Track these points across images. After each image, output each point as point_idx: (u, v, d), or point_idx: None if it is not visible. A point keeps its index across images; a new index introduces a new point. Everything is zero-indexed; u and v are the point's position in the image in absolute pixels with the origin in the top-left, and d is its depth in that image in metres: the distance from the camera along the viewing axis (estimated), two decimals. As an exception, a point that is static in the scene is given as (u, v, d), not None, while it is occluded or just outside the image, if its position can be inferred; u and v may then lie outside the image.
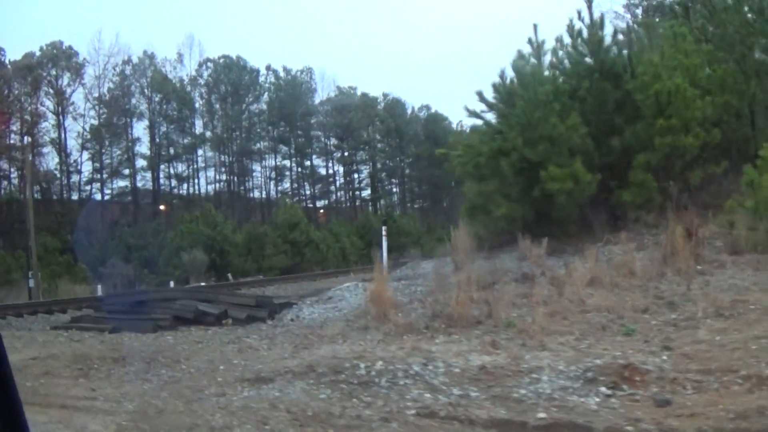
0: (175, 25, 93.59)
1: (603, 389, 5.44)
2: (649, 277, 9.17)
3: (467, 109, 13.92)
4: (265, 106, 57.52)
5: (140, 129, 50.64)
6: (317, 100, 62.39)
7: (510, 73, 13.10)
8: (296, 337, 8.29)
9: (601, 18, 13.27)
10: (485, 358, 6.53)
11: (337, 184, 65.18)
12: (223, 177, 55.16)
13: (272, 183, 58.87)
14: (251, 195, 57.99)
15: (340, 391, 5.89)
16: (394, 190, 71.33)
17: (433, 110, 70.58)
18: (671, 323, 7.27)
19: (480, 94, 13.26)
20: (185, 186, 53.58)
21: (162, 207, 46.51)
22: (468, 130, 13.62)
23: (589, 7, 13.37)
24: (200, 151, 53.05)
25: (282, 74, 58.78)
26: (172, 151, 51.67)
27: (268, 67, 57.76)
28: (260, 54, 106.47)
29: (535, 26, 13.99)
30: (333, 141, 62.77)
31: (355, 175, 66.12)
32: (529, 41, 17.55)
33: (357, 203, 66.44)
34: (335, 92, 62.82)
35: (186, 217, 35.67)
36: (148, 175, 50.83)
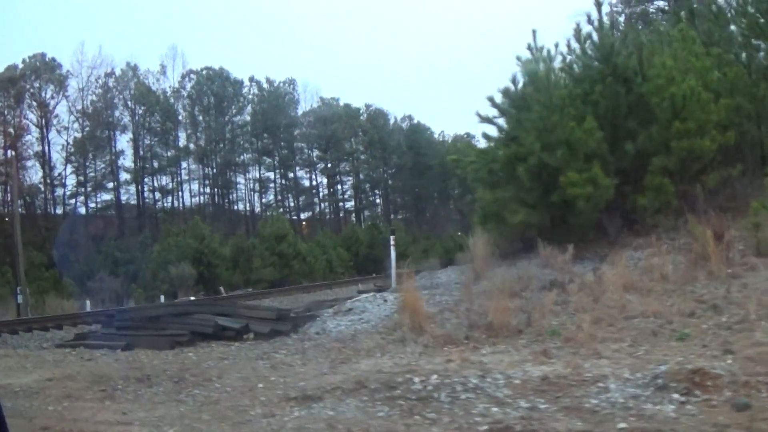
0: (158, 36, 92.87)
1: (676, 396, 5.21)
2: (682, 281, 8.92)
3: (479, 115, 13.60)
4: (248, 118, 56.99)
5: (123, 142, 49.97)
6: (300, 112, 62.05)
7: (520, 78, 12.85)
8: (329, 351, 7.89)
9: (612, 21, 13.09)
10: (544, 368, 6.22)
11: (320, 195, 64.80)
12: (207, 190, 54.47)
13: (256, 195, 58.30)
14: (235, 208, 57.39)
15: (399, 408, 5.54)
16: (377, 201, 71.12)
17: (415, 121, 70.65)
18: (724, 326, 7.03)
19: (491, 100, 13.00)
20: (170, 199, 52.81)
21: (139, 222, 45.70)
22: (461, 138, 13.26)
23: (599, 11, 13.20)
24: (184, 164, 52.34)
25: (265, 85, 58.36)
26: (155, 164, 50.89)
27: (251, 79, 57.40)
28: (243, 65, 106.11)
29: (534, 32, 13.78)
30: (316, 152, 62.42)
31: (339, 187, 65.82)
32: (529, 47, 17.37)
33: (341, 215, 66.08)
34: (318, 103, 62.55)
35: (173, 230, 34.97)
36: (132, 188, 50.06)
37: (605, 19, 13.53)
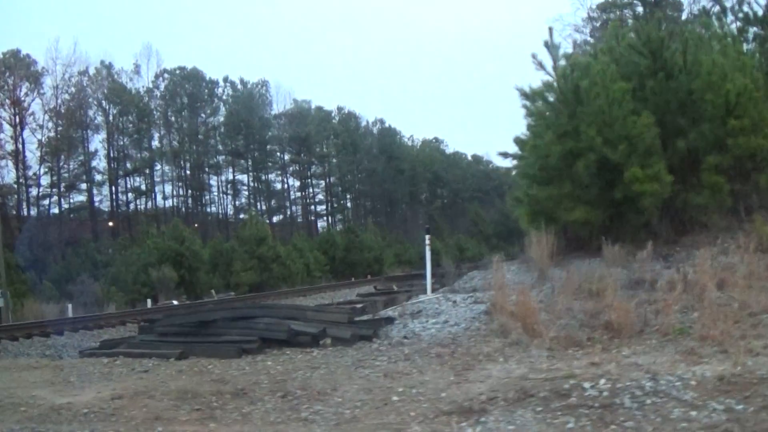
0: (134, 33, 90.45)
1: None
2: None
3: (526, 107, 13.24)
4: (222, 119, 55.58)
5: (97, 142, 48.07)
6: (273, 113, 60.89)
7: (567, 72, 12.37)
8: (438, 357, 7.17)
9: (659, 19, 12.74)
10: (708, 368, 5.70)
11: (291, 198, 63.68)
12: (181, 192, 52.83)
13: (228, 198, 56.86)
14: (208, 210, 55.84)
15: (586, 418, 4.89)
16: (348, 204, 70.39)
17: (386, 124, 70.32)
18: None
19: (527, 93, 12.55)
20: (143, 200, 51.04)
21: (111, 223, 43.88)
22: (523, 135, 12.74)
23: (644, 6, 12.85)
24: (157, 165, 50.61)
25: (239, 86, 57.05)
26: (128, 164, 49.11)
27: (225, 79, 56.01)
28: (217, 65, 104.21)
29: (550, 29, 13.49)
30: (287, 156, 61.33)
31: (311, 190, 64.86)
32: (546, 44, 16.98)
33: (312, 218, 65.14)
34: (291, 105, 61.54)
35: (152, 232, 33.54)
36: (106, 189, 48.19)
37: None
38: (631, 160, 11.21)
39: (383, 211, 73.83)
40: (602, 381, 5.42)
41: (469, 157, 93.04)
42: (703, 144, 11.60)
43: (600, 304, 8.21)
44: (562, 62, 13.29)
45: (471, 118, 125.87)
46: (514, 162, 14.02)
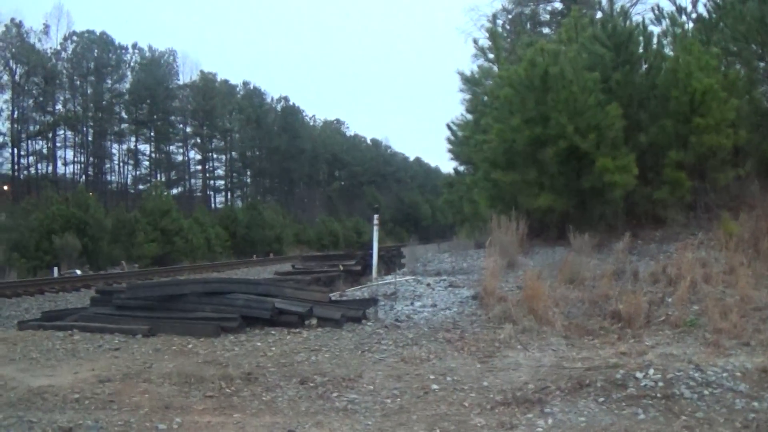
0: None
1: None
2: (758, 275, 8.82)
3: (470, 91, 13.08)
4: (128, 86, 52.45)
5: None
6: (178, 84, 58.16)
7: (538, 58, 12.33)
8: (449, 343, 6.87)
9: (625, 12, 12.96)
10: (741, 359, 5.74)
11: (191, 171, 61.21)
12: (82, 159, 49.47)
13: (129, 167, 53.90)
14: (108, 178, 52.67)
15: (653, 408, 4.82)
16: (248, 181, 68.59)
17: (290, 102, 68.96)
18: None
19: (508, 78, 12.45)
20: (45, 165, 47.39)
21: (5, 187, 40.48)
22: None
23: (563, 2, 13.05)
24: (60, 131, 47.09)
25: (147, 54, 54.02)
26: (31, 127, 45.40)
27: (134, 45, 52.89)
28: (127, 30, 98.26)
29: (494, 16, 13.72)
30: (190, 128, 58.85)
31: (211, 164, 62.62)
32: (489, 32, 17.07)
33: (210, 192, 62.99)
34: (198, 77, 58.98)
35: (56, 197, 31.15)
36: (7, 152, 44.42)
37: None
38: (600, 150, 11.34)
39: (282, 189, 72.70)
40: (651, 371, 5.34)
41: (369, 141, 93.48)
42: (665, 140, 11.89)
43: (594, 293, 8.22)
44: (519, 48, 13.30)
45: (372, 103, 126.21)
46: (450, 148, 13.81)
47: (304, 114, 74.39)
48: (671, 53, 12.88)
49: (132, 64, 53.66)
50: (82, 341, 7.90)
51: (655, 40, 13.01)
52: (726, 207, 11.92)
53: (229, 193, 65.53)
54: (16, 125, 44.45)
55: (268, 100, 67.97)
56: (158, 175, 57.53)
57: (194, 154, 60.84)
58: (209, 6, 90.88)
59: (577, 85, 11.52)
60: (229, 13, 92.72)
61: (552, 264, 10.24)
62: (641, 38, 12.74)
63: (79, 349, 7.50)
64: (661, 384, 5.13)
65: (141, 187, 52.62)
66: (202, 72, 59.29)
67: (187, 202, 56.05)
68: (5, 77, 44.17)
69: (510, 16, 42.70)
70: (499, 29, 28.62)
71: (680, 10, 14.31)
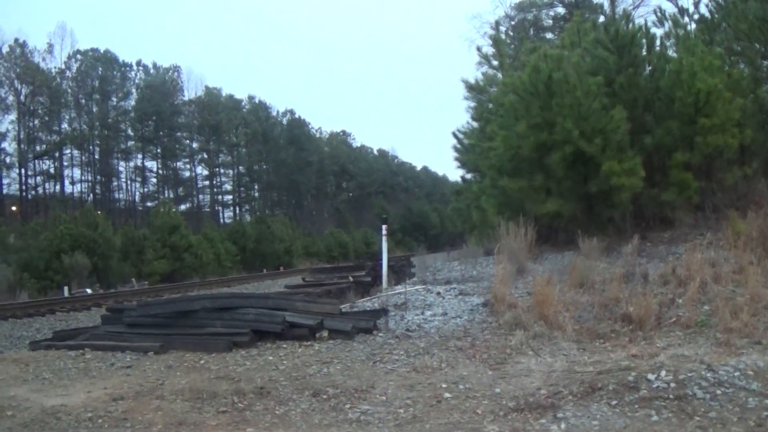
0: (49, 11, 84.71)
1: None
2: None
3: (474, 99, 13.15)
4: (133, 103, 52.87)
5: (6, 123, 44.64)
6: (183, 100, 58.56)
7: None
8: (461, 351, 6.91)
9: (628, 15, 13.01)
10: (752, 358, 5.74)
11: (199, 186, 61.55)
12: (89, 177, 49.81)
13: (136, 185, 54.24)
14: (116, 196, 53.02)
15: (666, 410, 4.85)
16: (256, 195, 68.89)
17: (296, 115, 69.31)
18: None
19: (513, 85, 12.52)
20: (52, 185, 47.74)
21: (14, 208, 40.80)
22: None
23: (612, 3, 13.12)
24: (66, 150, 47.46)
25: (152, 71, 54.47)
26: (38, 147, 45.79)
27: (138, 63, 53.36)
28: (131, 48, 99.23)
29: (497, 23, 13.81)
30: (196, 144, 59.24)
31: (218, 179, 62.97)
32: (493, 39, 17.13)
33: (218, 208, 63.26)
34: (202, 92, 59.43)
35: (64, 217, 31.42)
36: (14, 172, 44.82)
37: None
38: (606, 154, 11.37)
39: (290, 203, 72.98)
40: (663, 372, 5.36)
41: (375, 152, 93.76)
42: (670, 141, 11.91)
43: (604, 297, 8.23)
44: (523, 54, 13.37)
45: (378, 113, 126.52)
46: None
47: (310, 126, 74.79)
48: (674, 55, 12.90)
49: (137, 81, 54.19)
50: (94, 360, 7.98)
51: (658, 42, 12.97)
52: (734, 206, 11.90)
53: (237, 208, 65.83)
54: (22, 145, 44.85)
55: (274, 113, 68.47)
56: (166, 192, 57.92)
57: (201, 170, 61.26)
58: (212, 21, 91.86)
59: (581, 89, 11.57)
60: (232, 27, 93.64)
61: (561, 269, 10.28)
62: (644, 41, 12.78)
63: (91, 367, 7.59)
64: (673, 385, 5.16)
65: (149, 204, 52.95)
66: (206, 87, 59.86)
67: (195, 217, 56.37)
68: (11, 98, 44.63)
69: (513, 23, 43.03)
70: (503, 36, 28.85)
71: (682, 11, 14.42)
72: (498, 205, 12.65)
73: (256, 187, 68.53)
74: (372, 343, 7.69)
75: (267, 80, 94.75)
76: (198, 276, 37.35)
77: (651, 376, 5.30)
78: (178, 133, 57.69)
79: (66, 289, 24.51)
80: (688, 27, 13.97)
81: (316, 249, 59.87)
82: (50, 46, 48.30)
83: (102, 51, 50.56)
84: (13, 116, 44.63)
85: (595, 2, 35.99)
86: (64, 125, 48.77)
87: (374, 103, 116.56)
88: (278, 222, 55.75)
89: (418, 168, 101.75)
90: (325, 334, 8.05)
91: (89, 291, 25.07)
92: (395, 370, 6.47)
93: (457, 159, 18.74)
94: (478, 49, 19.62)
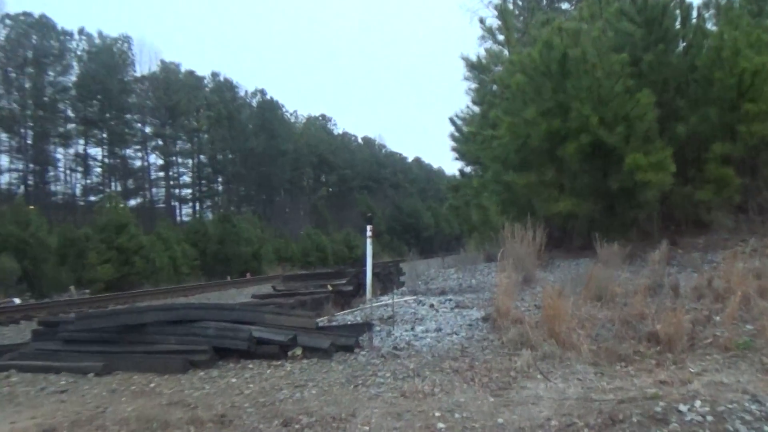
0: None
1: None
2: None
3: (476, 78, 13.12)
4: (74, 79, 52.45)
5: None
6: (135, 76, 58.28)
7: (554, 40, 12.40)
8: (457, 374, 6.85)
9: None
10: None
11: (152, 178, 61.35)
12: (20, 166, 49.39)
13: (77, 176, 53.93)
14: (52, 189, 52.68)
15: (702, 448, 4.77)
16: (219, 188, 68.79)
17: (268, 96, 69.24)
18: None
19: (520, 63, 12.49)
20: None
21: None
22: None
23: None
24: None
25: (97, 41, 54.11)
26: None
27: (81, 31, 52.86)
28: (72, 13, 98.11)
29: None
30: (150, 128, 59.03)
31: (175, 170, 62.78)
32: (499, 10, 17.16)
33: (175, 203, 63.08)
34: (158, 67, 59.16)
35: (-12, 213, 31.25)
36: None
37: None
38: (630, 145, 11.39)
39: (260, 198, 72.96)
40: (697, 403, 5.31)
41: (360, 140, 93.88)
42: (707, 130, 11.95)
43: (626, 312, 8.21)
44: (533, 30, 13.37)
45: (363, 95, 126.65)
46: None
47: (284, 110, 74.72)
48: (714, 28, 12.94)
49: (79, 52, 53.68)
50: (21, 384, 7.92)
51: (694, 13, 13.05)
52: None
53: (197, 204, 65.67)
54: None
55: (242, 93, 68.35)
56: (113, 184, 57.65)
57: (155, 159, 60.96)
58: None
59: (601, 69, 11.60)
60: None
61: (575, 278, 10.32)
62: (678, 12, 12.83)
63: (17, 393, 7.51)
64: (710, 418, 5.10)
65: (92, 198, 52.74)
66: (162, 62, 59.55)
67: (147, 215, 56.17)
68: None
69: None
70: (510, 6, 28.89)
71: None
72: (502, 204, 12.67)
73: (220, 179, 68.41)
74: (353, 363, 7.64)
75: (233, 55, 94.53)
76: (150, 284, 37.27)
77: (683, 407, 5.25)
78: (128, 115, 57.33)
79: (16, 299, 24.40)
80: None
81: (289, 253, 59.92)
82: (-24, 10, 47.96)
83: (36, 16, 50.03)
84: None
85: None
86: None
87: (359, 84, 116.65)
88: (245, 221, 55.67)
89: (409, 159, 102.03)
90: (299, 352, 8.01)
91: (17, 301, 24.87)
92: (380, 395, 6.41)
93: (454, 149, 18.82)
94: (481, 21, 19.70)
